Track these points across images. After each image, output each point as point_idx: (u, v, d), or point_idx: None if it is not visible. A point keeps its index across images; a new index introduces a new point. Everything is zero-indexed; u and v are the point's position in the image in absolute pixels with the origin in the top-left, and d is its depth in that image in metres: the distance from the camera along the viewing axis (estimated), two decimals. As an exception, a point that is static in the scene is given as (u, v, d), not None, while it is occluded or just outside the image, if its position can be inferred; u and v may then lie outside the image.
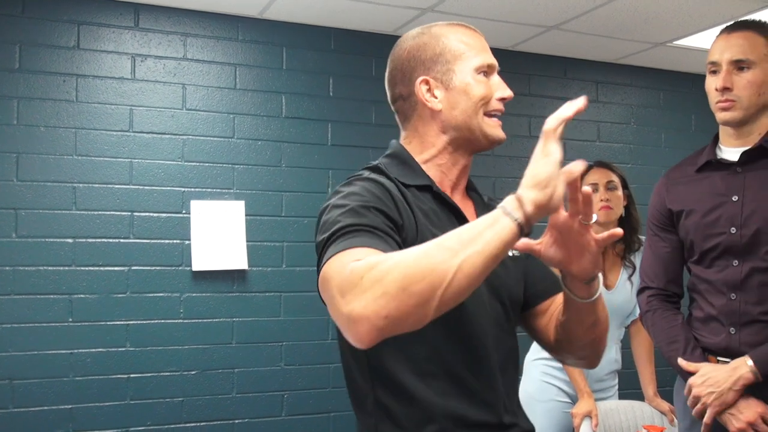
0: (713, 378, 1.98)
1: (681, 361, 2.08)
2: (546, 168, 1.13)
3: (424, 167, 1.48)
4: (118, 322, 3.49)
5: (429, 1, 3.64)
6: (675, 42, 4.28)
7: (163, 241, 3.60)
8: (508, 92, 1.49)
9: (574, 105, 1.17)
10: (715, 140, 2.18)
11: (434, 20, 4.14)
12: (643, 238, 3.14)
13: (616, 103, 4.75)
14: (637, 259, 3.07)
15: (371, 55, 4.09)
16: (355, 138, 4.03)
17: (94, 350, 3.46)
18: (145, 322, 3.54)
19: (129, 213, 3.56)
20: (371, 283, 1.06)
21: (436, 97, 1.46)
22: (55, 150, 3.46)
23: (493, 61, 1.49)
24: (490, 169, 4.34)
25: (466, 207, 1.51)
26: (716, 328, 2.07)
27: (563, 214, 1.22)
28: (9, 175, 3.38)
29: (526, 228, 1.14)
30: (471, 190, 1.58)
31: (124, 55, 3.62)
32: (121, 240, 3.53)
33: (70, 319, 3.43)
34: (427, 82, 1.47)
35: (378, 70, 4.12)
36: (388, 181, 1.39)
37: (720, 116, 2.07)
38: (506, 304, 1.45)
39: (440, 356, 1.34)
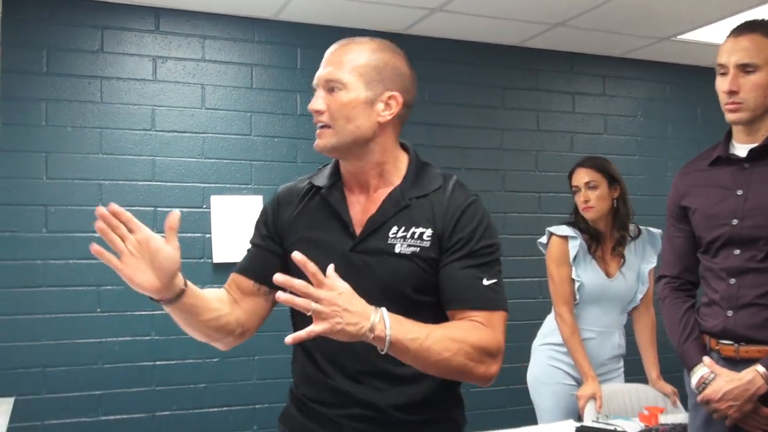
0: (730, 393, 2.09)
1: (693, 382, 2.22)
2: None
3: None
4: (143, 312, 3.66)
5: (437, 1, 3.77)
6: (679, 36, 4.38)
7: (184, 234, 3.76)
8: (311, 105, 1.57)
9: None
10: (728, 136, 2.29)
11: (443, 20, 4.25)
12: (639, 228, 3.27)
13: (622, 97, 4.86)
14: (628, 250, 3.19)
15: (383, 54, 4.23)
16: (367, 134, 4.17)
17: (121, 339, 3.63)
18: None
19: (152, 208, 3.72)
20: None
21: None
22: (81, 149, 3.63)
23: (318, 77, 1.58)
24: (498, 162, 4.47)
25: (364, 202, 1.61)
26: (716, 312, 2.20)
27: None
28: (39, 173, 3.56)
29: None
30: (395, 189, 1.60)
31: (146, 58, 3.78)
32: (146, 234, 3.69)
33: (99, 310, 3.61)
34: None
35: (389, 68, 4.25)
36: (293, 188, 1.70)
37: (728, 117, 2.18)
38: (383, 297, 1.46)
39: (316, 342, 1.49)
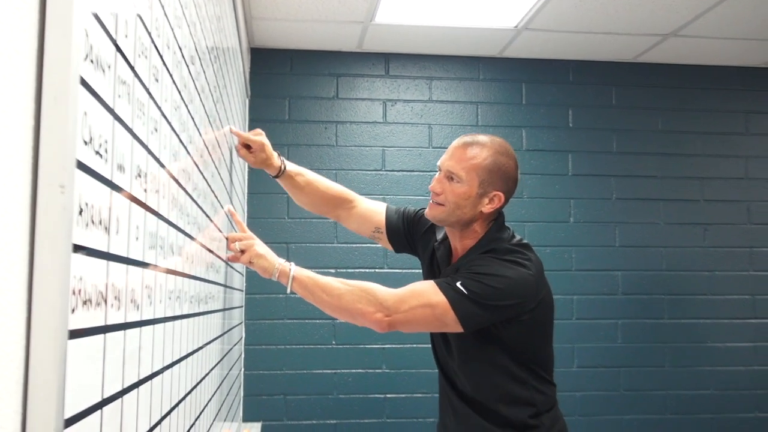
0: None
1: None
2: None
3: None
4: (375, 346, 3.79)
5: (671, 26, 3.59)
6: None
7: (417, 271, 3.86)
8: (432, 186, 1.95)
9: None
10: None
11: (677, 45, 4.01)
12: None
13: None
14: None
15: (611, 84, 4.10)
16: (596, 167, 4.05)
17: (354, 371, 3.79)
18: (399, 346, 3.81)
19: (383, 245, 3.86)
20: None
21: None
22: (319, 190, 3.86)
23: (442, 164, 1.95)
24: (743, 192, 4.13)
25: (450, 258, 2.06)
26: None
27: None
28: (281, 213, 3.83)
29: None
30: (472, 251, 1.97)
31: (377, 101, 3.96)
32: (377, 270, 3.85)
33: (334, 342, 3.79)
34: None
35: (618, 99, 4.11)
36: (439, 236, 2.11)
37: None
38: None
39: None
